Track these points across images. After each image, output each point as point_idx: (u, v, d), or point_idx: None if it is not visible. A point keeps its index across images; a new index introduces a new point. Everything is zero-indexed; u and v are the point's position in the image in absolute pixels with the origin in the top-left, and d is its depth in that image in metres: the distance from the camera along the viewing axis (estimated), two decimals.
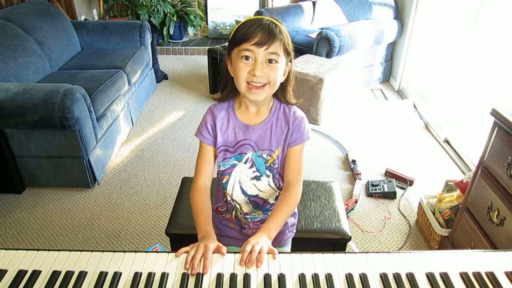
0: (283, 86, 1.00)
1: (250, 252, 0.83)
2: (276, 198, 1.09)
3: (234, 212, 1.13)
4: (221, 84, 1.03)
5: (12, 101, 1.97)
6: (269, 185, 1.07)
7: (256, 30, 0.88)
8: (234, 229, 1.17)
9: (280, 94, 1.02)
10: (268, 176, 1.06)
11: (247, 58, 0.90)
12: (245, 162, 1.04)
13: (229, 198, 1.11)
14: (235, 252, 0.86)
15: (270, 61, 0.91)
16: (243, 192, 1.08)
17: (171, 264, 0.83)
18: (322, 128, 3.02)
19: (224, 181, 1.07)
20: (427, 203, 1.92)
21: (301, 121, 1.02)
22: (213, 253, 0.86)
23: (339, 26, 3.25)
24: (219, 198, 1.15)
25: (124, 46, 3.36)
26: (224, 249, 0.86)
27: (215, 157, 1.06)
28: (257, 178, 1.05)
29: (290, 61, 0.97)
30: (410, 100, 3.39)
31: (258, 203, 1.10)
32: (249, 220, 1.13)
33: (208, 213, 1.02)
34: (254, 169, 1.04)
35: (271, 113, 1.02)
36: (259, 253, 0.83)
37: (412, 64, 3.58)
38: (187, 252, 0.85)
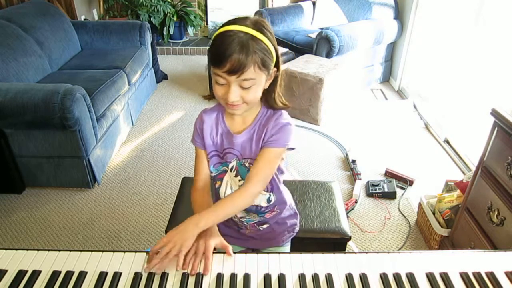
0: (269, 91, 0.95)
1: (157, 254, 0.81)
2: (268, 200, 1.07)
3: None
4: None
5: (12, 101, 1.97)
6: None
7: (229, 53, 0.81)
8: (232, 229, 1.17)
9: (264, 99, 0.97)
10: None
11: (221, 82, 0.87)
12: (231, 170, 1.03)
13: None
14: (235, 252, 0.86)
15: (244, 84, 0.87)
16: None
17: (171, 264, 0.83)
18: (322, 128, 3.02)
19: (216, 186, 1.07)
20: (427, 203, 1.92)
21: (283, 126, 0.95)
22: (217, 252, 0.85)
23: (339, 26, 3.25)
24: (217, 200, 1.15)
25: (124, 46, 3.36)
26: (230, 248, 0.86)
27: (208, 160, 1.05)
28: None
29: (276, 66, 0.91)
30: (410, 100, 3.38)
31: (251, 208, 1.08)
32: (245, 223, 1.13)
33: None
34: (239, 177, 1.03)
35: (255, 121, 0.98)
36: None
37: (412, 64, 3.58)
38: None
